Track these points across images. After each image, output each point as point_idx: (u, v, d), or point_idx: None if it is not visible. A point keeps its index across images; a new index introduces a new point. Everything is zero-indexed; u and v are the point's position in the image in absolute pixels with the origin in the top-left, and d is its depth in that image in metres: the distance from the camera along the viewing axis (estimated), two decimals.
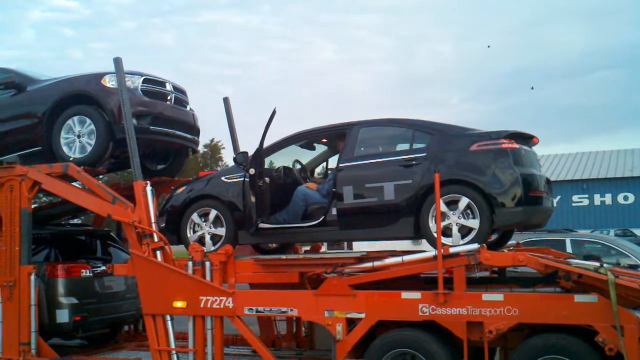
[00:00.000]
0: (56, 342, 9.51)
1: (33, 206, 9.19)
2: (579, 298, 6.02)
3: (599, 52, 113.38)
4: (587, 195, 40.29)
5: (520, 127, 7.20)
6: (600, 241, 12.37)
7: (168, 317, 7.67)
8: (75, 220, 12.22)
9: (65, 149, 8.76)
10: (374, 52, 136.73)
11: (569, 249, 11.45)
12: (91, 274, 9.40)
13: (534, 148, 7.52)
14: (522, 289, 6.76)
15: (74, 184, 8.85)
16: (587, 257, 7.22)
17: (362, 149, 7.60)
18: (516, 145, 6.91)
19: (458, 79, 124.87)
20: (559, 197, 37.07)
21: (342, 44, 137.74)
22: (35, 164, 8.81)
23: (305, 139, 8.16)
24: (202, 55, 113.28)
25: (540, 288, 6.71)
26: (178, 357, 7.60)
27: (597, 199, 40.16)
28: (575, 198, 40.25)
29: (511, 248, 7.82)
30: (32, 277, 8.55)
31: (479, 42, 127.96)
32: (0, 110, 9.27)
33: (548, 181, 7.43)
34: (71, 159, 8.64)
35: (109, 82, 8.60)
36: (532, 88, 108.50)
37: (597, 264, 6.25)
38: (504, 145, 6.81)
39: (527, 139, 7.30)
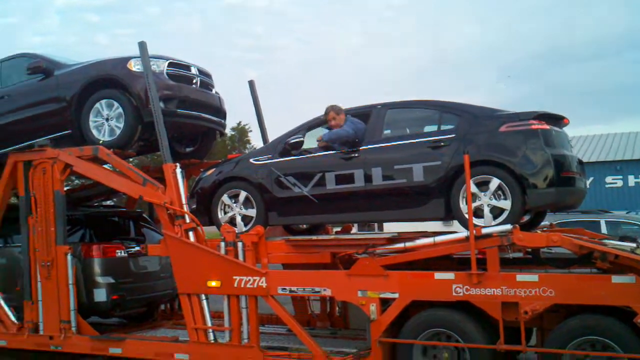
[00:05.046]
0: (95, 321, 9.70)
1: (66, 188, 9.29)
2: (616, 279, 5.93)
3: (634, 31, 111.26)
4: (621, 177, 39.61)
5: (551, 108, 7.07)
6: (636, 222, 12.17)
7: (203, 297, 7.76)
8: (108, 202, 12.36)
9: (94, 132, 8.83)
10: (399, 34, 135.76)
11: (603, 230, 11.31)
12: (126, 254, 9.51)
13: (565, 129, 7.40)
14: (557, 270, 6.69)
15: (105, 166, 8.94)
16: (622, 238, 7.09)
17: (389, 130, 7.55)
18: (546, 126, 6.81)
19: (488, 60, 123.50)
20: (592, 178, 36.50)
21: (367, 25, 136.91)
22: (66, 147, 8.91)
23: None
24: (226, 39, 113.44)
25: (576, 269, 6.62)
26: (215, 335, 7.69)
27: (632, 180, 39.45)
28: (608, 179, 39.59)
29: (545, 229, 7.73)
30: (69, 257, 8.69)
31: (508, 22, 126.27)
32: (29, 94, 9.38)
33: (580, 162, 7.34)
34: (101, 141, 8.71)
35: (135, 66, 8.63)
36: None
37: (634, 245, 6.15)
38: (533, 126, 6.71)
39: (557, 120, 7.19)
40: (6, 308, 9.29)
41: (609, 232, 11.00)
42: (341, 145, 7.51)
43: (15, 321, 9.17)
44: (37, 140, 9.05)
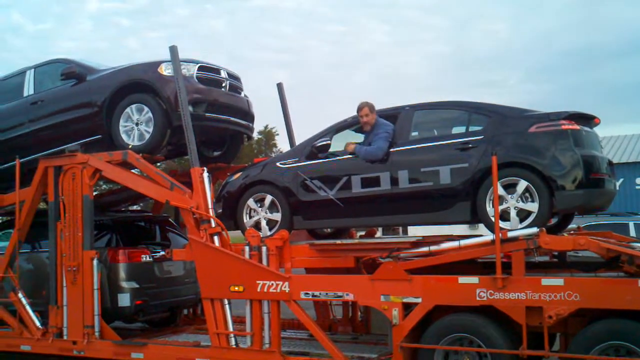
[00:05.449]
0: (118, 325, 9.79)
1: (94, 193, 9.41)
2: None
3: None
4: None
5: (582, 107, 6.99)
6: None
7: (226, 301, 7.80)
8: (135, 207, 12.48)
9: (124, 136, 8.91)
10: (427, 33, 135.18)
11: (632, 233, 11.13)
12: (151, 259, 9.60)
13: (595, 129, 7.30)
14: (584, 274, 6.61)
15: (132, 171, 9.05)
16: None
17: (417, 132, 7.52)
18: (577, 126, 6.73)
19: (515, 59, 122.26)
20: (621, 179, 35.92)
21: (395, 25, 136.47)
22: (95, 151, 9.01)
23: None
24: (255, 41, 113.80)
25: (603, 273, 6.54)
26: (236, 340, 7.72)
27: None
28: (639, 181, 38.97)
29: (572, 232, 7.63)
30: (95, 262, 8.79)
31: (536, 20, 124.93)
32: (62, 100, 9.50)
33: (610, 163, 7.22)
34: (130, 146, 8.79)
35: (165, 70, 8.70)
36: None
37: None
38: (564, 127, 6.64)
39: (588, 120, 7.10)
40: (31, 313, 9.38)
41: (638, 235, 10.86)
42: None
43: (40, 326, 9.26)
44: (68, 145, 9.17)
